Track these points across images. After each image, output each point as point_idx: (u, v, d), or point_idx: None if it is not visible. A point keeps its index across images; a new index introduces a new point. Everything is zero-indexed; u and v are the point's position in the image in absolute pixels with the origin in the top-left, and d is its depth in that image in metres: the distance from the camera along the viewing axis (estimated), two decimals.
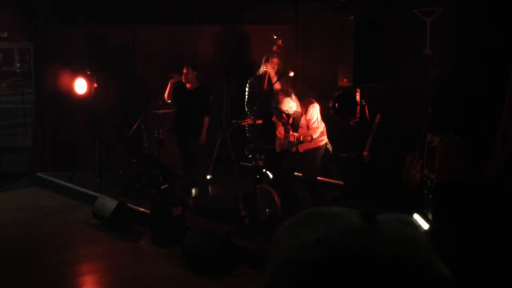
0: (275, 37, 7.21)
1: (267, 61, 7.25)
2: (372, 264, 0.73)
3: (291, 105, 6.03)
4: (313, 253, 0.74)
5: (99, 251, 6.08)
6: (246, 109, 7.33)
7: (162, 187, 6.95)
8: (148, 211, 6.54)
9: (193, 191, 7.37)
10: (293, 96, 6.06)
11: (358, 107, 5.92)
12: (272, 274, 0.78)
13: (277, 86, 6.90)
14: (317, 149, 6.17)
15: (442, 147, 5.65)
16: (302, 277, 0.73)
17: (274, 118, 6.36)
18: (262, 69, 7.25)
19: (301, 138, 6.02)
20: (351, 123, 6.08)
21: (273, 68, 7.17)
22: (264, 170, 6.52)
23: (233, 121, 7.71)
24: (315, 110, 6.05)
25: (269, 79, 7.26)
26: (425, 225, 5.60)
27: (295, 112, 6.09)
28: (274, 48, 7.19)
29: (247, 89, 7.49)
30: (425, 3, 6.82)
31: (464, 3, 6.41)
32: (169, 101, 7.31)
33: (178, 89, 7.25)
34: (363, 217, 0.79)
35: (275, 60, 7.17)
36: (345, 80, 5.83)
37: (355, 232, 0.76)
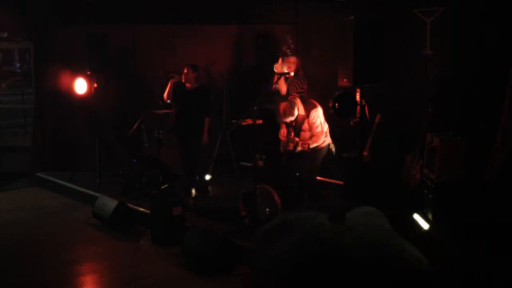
0: (287, 36, 7.13)
1: (283, 61, 7.10)
2: (345, 262, 0.74)
3: (291, 119, 6.08)
4: (284, 265, 0.75)
5: (99, 251, 6.08)
6: None
7: (162, 187, 6.95)
8: (148, 211, 6.54)
9: (193, 191, 7.37)
10: (295, 111, 6.06)
11: (358, 107, 5.92)
12: (254, 278, 0.79)
13: (283, 88, 6.77)
14: (318, 150, 6.17)
15: (442, 147, 5.65)
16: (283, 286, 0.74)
17: (278, 119, 6.36)
18: (282, 68, 7.04)
19: (299, 145, 6.04)
20: (351, 123, 6.08)
21: (290, 68, 6.97)
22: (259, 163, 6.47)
23: (233, 121, 7.72)
24: (317, 114, 6.06)
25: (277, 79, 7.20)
26: (425, 225, 5.60)
27: (297, 115, 6.11)
28: (285, 48, 7.11)
29: None
30: (425, 3, 6.81)
31: (464, 3, 6.40)
32: (169, 101, 7.31)
33: (178, 89, 7.25)
34: (331, 218, 0.80)
35: (292, 59, 6.96)
36: (345, 80, 5.82)
37: (323, 235, 0.77)
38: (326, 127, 6.20)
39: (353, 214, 0.82)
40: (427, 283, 0.77)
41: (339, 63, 6.01)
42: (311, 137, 6.16)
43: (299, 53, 8.56)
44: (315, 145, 6.09)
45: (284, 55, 7.09)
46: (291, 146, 6.18)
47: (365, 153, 6.55)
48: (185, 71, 7.15)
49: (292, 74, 7.01)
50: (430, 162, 5.88)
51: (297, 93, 6.50)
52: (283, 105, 6.13)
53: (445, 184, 5.59)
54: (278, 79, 6.91)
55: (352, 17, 5.68)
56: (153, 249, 6.06)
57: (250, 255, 0.83)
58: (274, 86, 7.10)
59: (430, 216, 5.73)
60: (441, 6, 6.64)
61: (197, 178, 7.43)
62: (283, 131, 6.37)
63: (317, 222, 0.80)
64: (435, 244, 5.14)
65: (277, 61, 7.14)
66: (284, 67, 6.97)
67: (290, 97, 6.20)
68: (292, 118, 6.11)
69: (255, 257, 0.83)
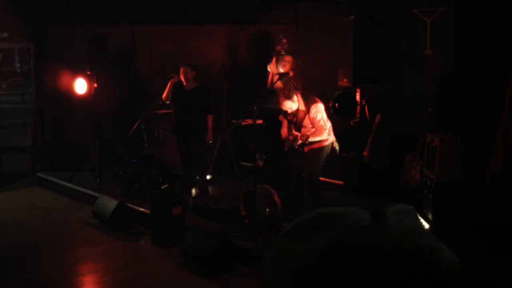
0: (280, 36, 7.17)
1: (277, 61, 7.18)
2: (383, 262, 0.73)
3: (290, 105, 6.04)
4: (326, 259, 0.73)
5: (99, 251, 6.08)
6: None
7: (162, 187, 6.95)
8: (148, 211, 6.54)
9: (193, 191, 7.36)
10: (295, 98, 6.05)
11: (358, 107, 5.92)
12: (276, 278, 0.77)
13: (279, 84, 6.89)
14: (321, 149, 6.15)
15: (442, 147, 5.65)
16: (316, 282, 0.73)
17: (280, 117, 6.35)
18: (277, 68, 7.09)
19: (298, 138, 6.03)
20: (351, 123, 6.08)
21: (285, 66, 7.06)
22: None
23: (233, 121, 7.71)
24: (317, 109, 6.04)
25: (272, 79, 7.25)
26: (425, 225, 5.60)
27: (297, 110, 6.09)
28: (279, 47, 7.14)
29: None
30: (425, 3, 6.81)
31: (464, 3, 6.40)
32: (167, 101, 7.30)
33: (178, 89, 7.24)
34: (373, 215, 0.79)
35: (287, 58, 7.06)
36: (345, 80, 5.82)
37: (364, 233, 0.76)
38: (329, 124, 6.18)
39: (389, 212, 0.82)
40: (460, 285, 0.77)
41: (339, 63, 6.01)
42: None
43: (300, 54, 8.59)
44: (316, 139, 6.06)
45: (278, 55, 7.14)
46: (290, 140, 6.17)
47: (365, 153, 6.55)
48: (183, 70, 7.14)
49: (292, 73, 7.05)
50: (430, 162, 5.87)
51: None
52: (281, 95, 6.13)
53: (445, 184, 5.59)
54: (278, 79, 6.93)
55: (352, 17, 5.68)
56: (153, 249, 6.06)
57: (271, 251, 0.81)
58: (269, 85, 7.15)
59: (430, 216, 5.73)
60: (441, 6, 6.64)
61: (197, 178, 7.43)
62: (284, 129, 6.37)
63: (358, 219, 0.79)
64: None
65: (271, 60, 7.19)
66: (279, 66, 7.06)
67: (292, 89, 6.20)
68: (292, 104, 6.05)
69: (281, 253, 0.81)
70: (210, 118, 7.15)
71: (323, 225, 0.80)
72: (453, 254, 0.79)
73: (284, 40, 7.10)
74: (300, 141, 6.03)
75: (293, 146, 6.23)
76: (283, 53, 7.07)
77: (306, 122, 6.11)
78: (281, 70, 7.07)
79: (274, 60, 7.17)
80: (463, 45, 6.42)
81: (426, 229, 0.82)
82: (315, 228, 0.81)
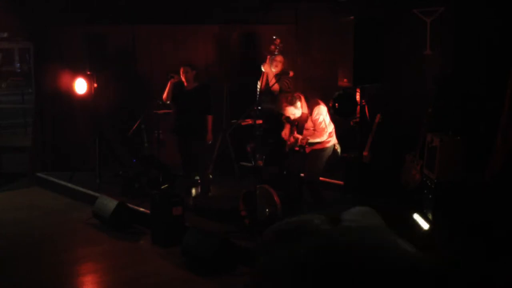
0: (273, 37, 7.23)
1: (270, 61, 7.25)
2: (342, 261, 0.78)
3: (293, 112, 6.05)
4: (287, 267, 0.78)
5: (99, 251, 6.08)
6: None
7: (162, 187, 6.95)
8: (148, 211, 6.54)
9: (193, 191, 7.36)
10: (298, 104, 6.04)
11: (358, 107, 5.92)
12: (267, 278, 0.81)
13: (276, 87, 6.91)
14: (322, 150, 6.15)
15: (442, 147, 5.65)
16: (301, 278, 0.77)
17: (283, 118, 6.35)
18: (270, 68, 7.22)
19: (299, 141, 6.03)
20: (351, 123, 6.08)
21: (276, 67, 7.17)
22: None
23: (233, 121, 7.71)
24: (319, 111, 6.04)
25: (267, 79, 7.27)
26: (425, 225, 5.60)
27: (300, 115, 6.10)
28: (272, 47, 7.21)
29: (258, 86, 7.47)
30: (425, 3, 6.81)
31: (464, 3, 6.40)
32: (168, 101, 7.30)
33: (178, 89, 7.24)
34: (328, 220, 0.85)
35: (278, 58, 7.16)
36: (345, 80, 5.83)
37: (321, 238, 0.81)
38: (331, 127, 6.18)
39: (348, 215, 0.87)
40: (420, 275, 0.81)
41: (339, 63, 6.02)
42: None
43: (300, 53, 8.60)
44: (316, 140, 6.06)
45: (272, 55, 7.19)
46: (291, 140, 6.17)
47: (365, 153, 6.55)
48: (182, 70, 7.14)
49: (292, 73, 7.06)
50: (430, 162, 5.88)
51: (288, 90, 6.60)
52: (284, 97, 6.13)
53: (445, 184, 5.59)
54: (277, 81, 6.95)
55: (352, 17, 5.68)
56: (153, 249, 6.06)
57: (255, 257, 0.87)
58: (263, 85, 7.19)
59: (430, 216, 5.73)
60: (441, 6, 6.64)
61: (198, 178, 7.42)
62: (286, 131, 6.37)
63: (315, 224, 0.85)
64: (435, 244, 5.13)
65: (265, 60, 7.24)
66: (272, 66, 7.15)
67: (295, 94, 6.19)
68: (296, 111, 6.06)
69: (260, 259, 0.87)
70: (209, 118, 7.15)
71: (298, 233, 0.88)
72: (412, 246, 0.86)
73: (278, 40, 7.16)
74: (300, 143, 6.04)
75: (293, 147, 6.23)
76: (276, 53, 7.15)
77: (309, 124, 6.11)
78: (273, 70, 7.15)
79: (268, 60, 7.24)
80: (463, 45, 6.42)
81: (384, 225, 0.88)
82: (294, 235, 0.88)
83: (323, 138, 6.09)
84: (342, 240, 0.71)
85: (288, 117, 6.16)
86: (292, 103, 6.01)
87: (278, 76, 7.11)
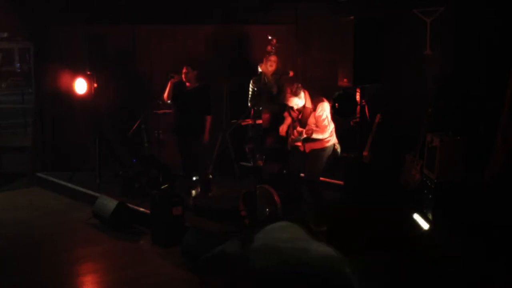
0: (269, 37, 7.29)
1: (266, 61, 7.31)
2: (255, 276, 0.83)
3: (296, 102, 6.04)
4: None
5: (99, 251, 6.08)
6: (249, 106, 7.37)
7: (162, 187, 6.95)
8: (148, 211, 6.54)
9: (193, 191, 7.36)
10: (302, 95, 6.04)
11: (358, 107, 5.92)
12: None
13: (274, 86, 6.98)
14: (322, 149, 6.14)
15: (442, 147, 5.65)
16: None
17: (285, 113, 6.35)
18: (266, 68, 7.32)
19: (303, 133, 6.01)
20: (351, 123, 6.08)
21: (271, 66, 7.28)
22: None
23: (233, 121, 7.72)
24: (323, 108, 6.03)
25: (265, 79, 7.30)
26: (425, 225, 5.60)
27: (303, 106, 6.08)
28: (269, 48, 7.28)
29: (250, 87, 7.52)
30: (425, 3, 6.82)
31: (464, 3, 6.41)
32: (169, 101, 7.30)
33: (178, 89, 7.24)
34: (241, 242, 0.90)
35: (273, 58, 7.29)
36: (345, 80, 5.83)
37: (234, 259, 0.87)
38: (332, 125, 6.18)
39: (262, 233, 0.93)
40: (334, 275, 0.86)
41: (339, 63, 6.01)
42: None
43: (300, 53, 8.61)
44: (318, 136, 6.04)
45: (267, 55, 7.27)
46: (295, 134, 6.16)
47: (365, 153, 6.56)
48: (185, 70, 7.15)
49: (292, 73, 7.07)
50: (430, 162, 5.88)
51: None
52: (289, 87, 6.12)
53: (445, 184, 5.59)
54: (277, 80, 6.96)
55: (352, 17, 5.68)
56: (153, 249, 6.06)
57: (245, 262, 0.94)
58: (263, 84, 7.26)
59: (430, 216, 5.73)
60: (441, 6, 6.65)
61: (198, 178, 7.42)
62: (284, 126, 6.36)
63: (231, 249, 0.92)
64: (435, 244, 5.14)
65: (261, 61, 7.32)
66: (267, 66, 7.25)
67: (299, 85, 6.20)
68: (299, 101, 6.05)
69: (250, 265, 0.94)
70: (208, 118, 7.15)
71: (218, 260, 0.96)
72: (326, 248, 0.91)
73: (274, 41, 7.22)
74: (305, 135, 6.02)
75: (294, 146, 6.22)
76: (271, 53, 7.24)
77: (311, 120, 6.09)
78: (269, 70, 7.25)
79: (264, 60, 7.33)
80: (463, 45, 6.42)
81: (301, 235, 0.94)
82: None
83: (325, 135, 6.08)
84: (251, 256, 0.79)
85: (291, 108, 6.15)
86: (296, 94, 6.01)
87: (278, 76, 7.13)
